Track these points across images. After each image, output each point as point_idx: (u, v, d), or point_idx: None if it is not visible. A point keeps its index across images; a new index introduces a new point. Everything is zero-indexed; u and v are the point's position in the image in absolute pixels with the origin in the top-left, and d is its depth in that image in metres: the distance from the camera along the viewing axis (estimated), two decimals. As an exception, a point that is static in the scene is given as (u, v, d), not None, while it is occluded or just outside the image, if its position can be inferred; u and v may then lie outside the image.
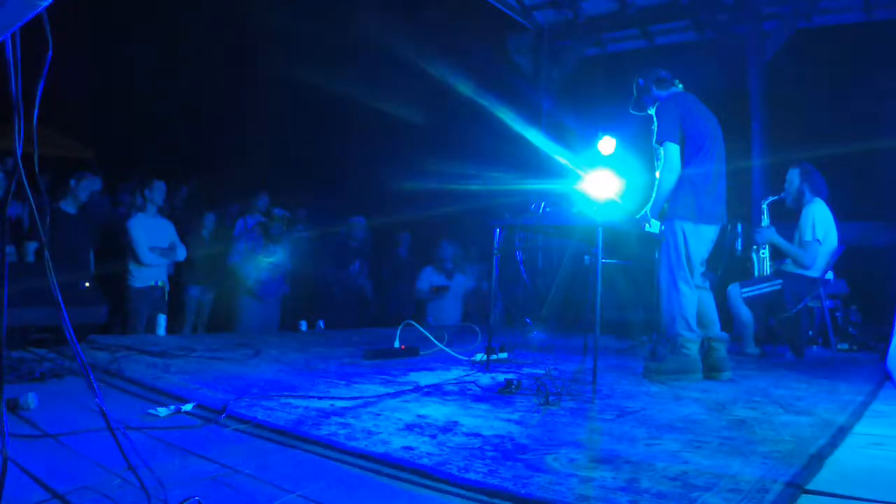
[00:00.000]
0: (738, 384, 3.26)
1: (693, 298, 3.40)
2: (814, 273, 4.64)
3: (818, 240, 4.59)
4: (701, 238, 3.45)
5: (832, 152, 5.61)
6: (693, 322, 3.37)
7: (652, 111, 3.63)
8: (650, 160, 3.78)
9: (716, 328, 3.57)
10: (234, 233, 6.56)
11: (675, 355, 3.35)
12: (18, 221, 5.23)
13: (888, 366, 3.55)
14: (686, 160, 3.42)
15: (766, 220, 5.00)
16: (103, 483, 1.49)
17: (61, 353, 3.30)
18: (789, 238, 4.80)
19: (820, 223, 4.61)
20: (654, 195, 3.49)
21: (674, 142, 3.40)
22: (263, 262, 6.09)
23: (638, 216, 3.51)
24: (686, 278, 3.40)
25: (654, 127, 3.55)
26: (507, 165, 7.66)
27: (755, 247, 5.21)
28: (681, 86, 3.65)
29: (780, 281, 4.70)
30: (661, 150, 3.44)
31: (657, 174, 3.53)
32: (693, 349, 3.35)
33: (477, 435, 2.01)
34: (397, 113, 8.66)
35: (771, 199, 5.04)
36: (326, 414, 2.27)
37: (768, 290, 4.72)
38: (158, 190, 5.59)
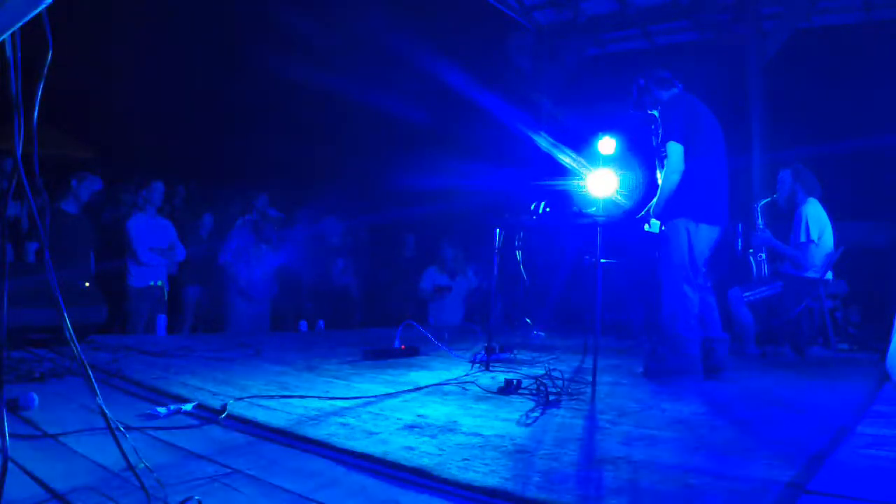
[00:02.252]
0: (739, 384, 3.26)
1: (695, 299, 3.40)
2: (813, 274, 4.64)
3: (812, 241, 4.59)
4: (704, 238, 3.45)
5: (832, 152, 5.61)
6: (694, 322, 3.37)
7: (655, 112, 3.63)
8: (650, 160, 3.78)
9: (717, 328, 3.56)
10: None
11: (676, 356, 3.34)
12: (17, 221, 5.22)
13: (888, 366, 3.54)
14: (690, 161, 3.42)
15: (760, 223, 5.00)
16: (103, 483, 1.49)
17: (61, 353, 3.30)
18: (785, 239, 4.80)
19: (813, 223, 4.61)
20: (657, 195, 3.49)
21: (679, 142, 3.41)
22: (255, 262, 6.08)
23: (639, 215, 3.51)
24: (689, 278, 3.39)
25: (658, 127, 3.55)
26: (507, 165, 7.66)
27: (751, 250, 5.21)
28: (680, 86, 3.66)
29: (780, 283, 4.70)
30: (665, 150, 3.44)
31: (659, 174, 3.53)
32: (694, 349, 3.34)
33: (477, 435, 2.01)
34: (397, 113, 8.65)
35: (764, 201, 5.05)
36: (326, 414, 2.27)
37: (769, 293, 4.72)
38: (156, 190, 5.59)
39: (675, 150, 3.41)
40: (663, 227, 3.53)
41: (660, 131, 3.53)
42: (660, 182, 3.52)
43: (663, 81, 3.63)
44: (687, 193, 3.42)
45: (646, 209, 3.57)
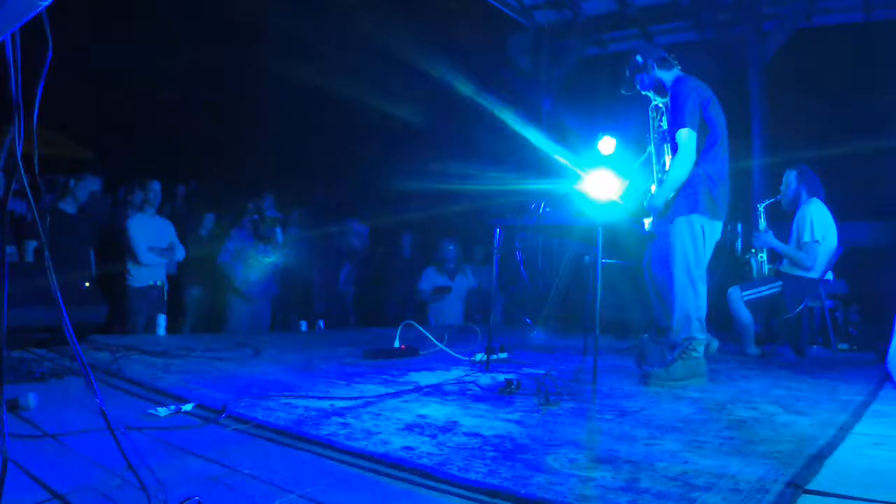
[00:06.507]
0: (739, 384, 3.26)
1: (705, 299, 3.29)
2: (813, 274, 4.63)
3: (817, 240, 4.58)
4: (714, 235, 3.32)
5: (832, 152, 5.62)
6: (703, 323, 3.27)
7: (650, 93, 3.49)
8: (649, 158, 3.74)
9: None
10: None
11: (685, 360, 3.20)
12: (21, 219, 5.22)
13: (888, 366, 3.55)
14: (704, 150, 3.24)
15: (763, 224, 5.00)
16: (103, 483, 1.49)
17: (61, 353, 3.30)
18: (785, 239, 4.80)
19: (818, 223, 4.61)
20: (664, 185, 3.29)
21: (694, 129, 3.18)
22: (254, 262, 6.08)
23: (645, 204, 3.41)
24: (703, 278, 3.25)
25: (658, 110, 3.43)
26: (507, 165, 7.67)
27: (753, 251, 5.21)
28: (678, 66, 3.47)
29: (780, 283, 4.70)
30: (678, 136, 3.19)
31: (655, 164, 3.44)
32: (701, 351, 3.25)
33: (477, 435, 2.01)
34: (397, 113, 8.66)
35: (767, 201, 5.04)
36: (326, 414, 2.27)
37: (768, 292, 4.71)
38: (153, 191, 5.59)
39: (687, 138, 3.15)
40: (652, 223, 3.45)
41: (663, 116, 3.37)
42: (666, 169, 3.33)
43: (664, 61, 3.42)
44: (701, 187, 3.23)
45: (651, 200, 3.38)
